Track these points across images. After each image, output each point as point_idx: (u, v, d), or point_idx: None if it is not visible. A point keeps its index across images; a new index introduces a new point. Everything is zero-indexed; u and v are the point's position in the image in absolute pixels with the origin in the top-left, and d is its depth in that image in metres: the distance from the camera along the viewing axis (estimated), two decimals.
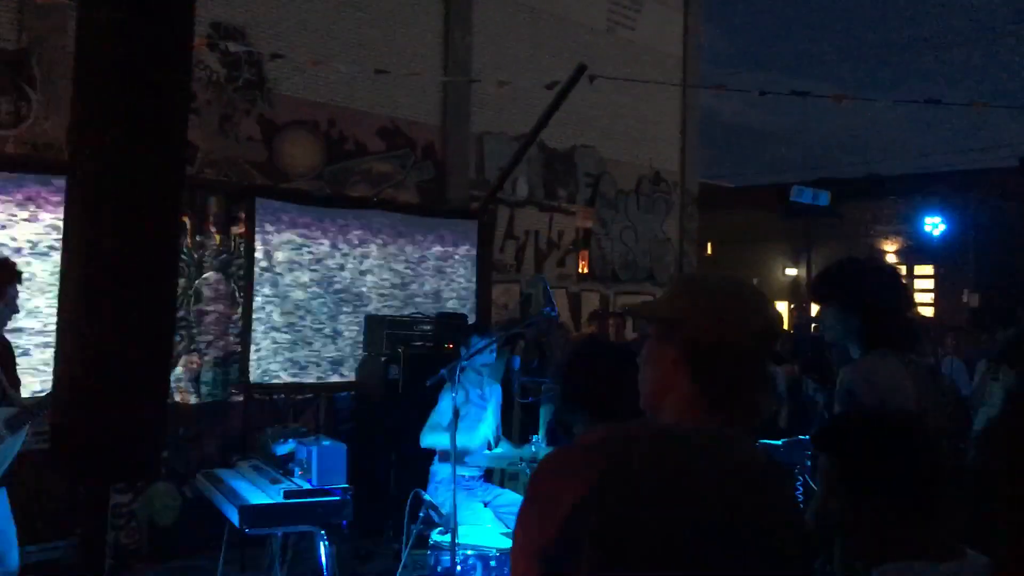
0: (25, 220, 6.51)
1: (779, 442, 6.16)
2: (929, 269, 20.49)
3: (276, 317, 8.04)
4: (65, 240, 1.91)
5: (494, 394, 5.95)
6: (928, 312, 19.60)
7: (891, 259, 20.61)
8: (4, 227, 6.41)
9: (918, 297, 20.28)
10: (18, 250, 6.43)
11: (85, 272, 1.81)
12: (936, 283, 20.42)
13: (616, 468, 0.90)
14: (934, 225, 19.90)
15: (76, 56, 1.90)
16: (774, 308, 1.64)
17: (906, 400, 2.73)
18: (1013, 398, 1.95)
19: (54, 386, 2.00)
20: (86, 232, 1.81)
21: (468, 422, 5.63)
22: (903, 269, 20.44)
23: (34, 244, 6.53)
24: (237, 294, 7.79)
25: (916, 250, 20.36)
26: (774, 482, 0.97)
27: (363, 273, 8.75)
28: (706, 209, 15.94)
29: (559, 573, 0.90)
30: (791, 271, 24.49)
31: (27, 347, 6.32)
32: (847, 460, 1.95)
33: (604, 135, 12.73)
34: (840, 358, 3.29)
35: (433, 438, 5.61)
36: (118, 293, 1.80)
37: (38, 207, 6.52)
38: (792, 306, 22.86)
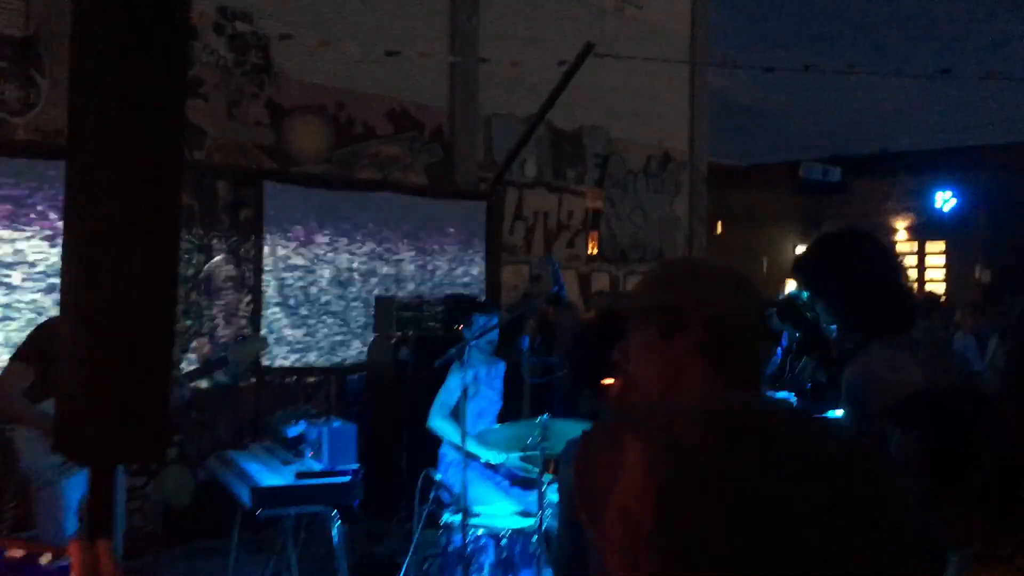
0: (36, 205, 6.54)
1: None
2: (941, 245, 20.35)
3: (286, 300, 8.08)
4: (66, 223, 1.93)
5: (499, 372, 5.92)
6: (940, 288, 19.49)
7: (902, 235, 20.48)
8: (14, 212, 6.45)
9: (929, 274, 20.17)
10: (28, 237, 6.48)
11: (86, 253, 1.83)
12: (948, 259, 20.29)
13: (673, 453, 0.75)
14: (945, 200, 19.75)
15: (72, 37, 1.91)
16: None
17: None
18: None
19: (58, 368, 2.02)
20: (85, 214, 1.82)
21: (478, 402, 5.61)
22: (915, 245, 20.32)
23: (44, 230, 6.57)
24: (247, 278, 7.82)
25: (927, 226, 20.22)
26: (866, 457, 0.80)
27: (372, 255, 8.77)
28: (716, 188, 15.86)
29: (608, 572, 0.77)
30: (801, 249, 24.39)
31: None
32: (938, 435, 1.73)
33: (612, 115, 12.67)
34: (843, 346, 2.94)
35: (441, 426, 5.56)
36: (119, 273, 1.81)
37: (48, 192, 6.56)
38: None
